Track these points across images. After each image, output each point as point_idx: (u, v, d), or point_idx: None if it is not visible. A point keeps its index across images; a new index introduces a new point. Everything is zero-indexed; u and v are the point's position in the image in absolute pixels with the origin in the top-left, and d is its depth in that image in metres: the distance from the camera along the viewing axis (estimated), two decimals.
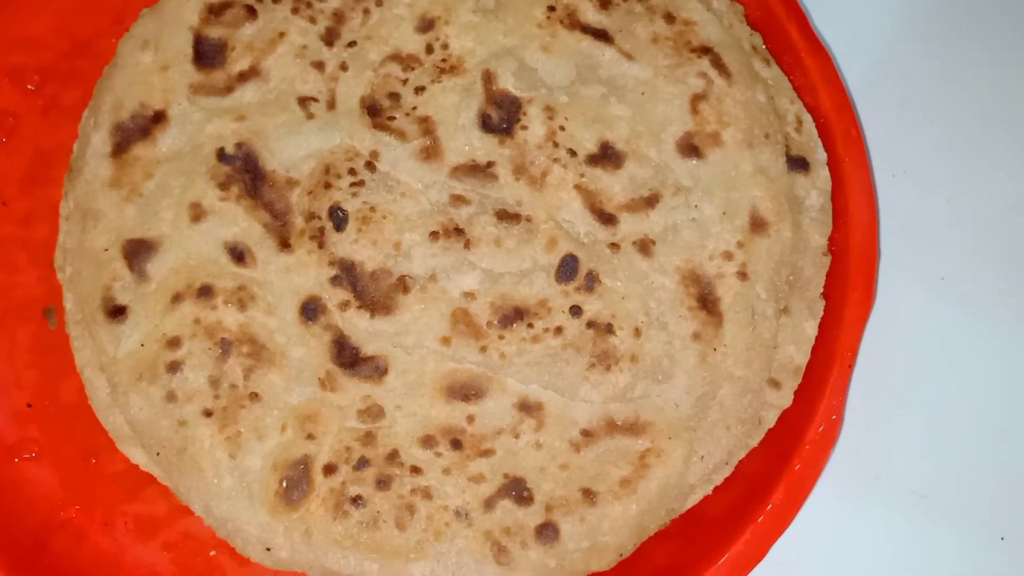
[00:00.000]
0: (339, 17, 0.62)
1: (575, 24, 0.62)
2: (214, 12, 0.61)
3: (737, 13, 0.65)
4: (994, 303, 0.66)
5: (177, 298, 0.55)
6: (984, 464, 0.63)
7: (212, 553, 0.57)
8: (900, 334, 0.65)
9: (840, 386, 0.57)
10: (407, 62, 0.61)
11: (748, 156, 0.60)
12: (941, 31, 0.72)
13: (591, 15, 0.62)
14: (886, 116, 0.70)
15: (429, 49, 0.61)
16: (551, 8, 0.62)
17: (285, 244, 0.56)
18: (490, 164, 0.58)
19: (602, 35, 0.62)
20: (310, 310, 0.55)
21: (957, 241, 0.68)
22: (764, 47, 0.65)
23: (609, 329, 0.55)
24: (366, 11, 0.62)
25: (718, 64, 0.62)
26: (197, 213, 0.56)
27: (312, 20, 0.61)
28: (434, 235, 0.56)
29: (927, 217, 0.68)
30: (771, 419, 0.57)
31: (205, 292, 0.55)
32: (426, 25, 0.62)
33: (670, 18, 0.63)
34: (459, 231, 0.57)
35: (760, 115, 0.61)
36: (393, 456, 0.53)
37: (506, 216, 0.57)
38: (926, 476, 0.63)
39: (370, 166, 0.58)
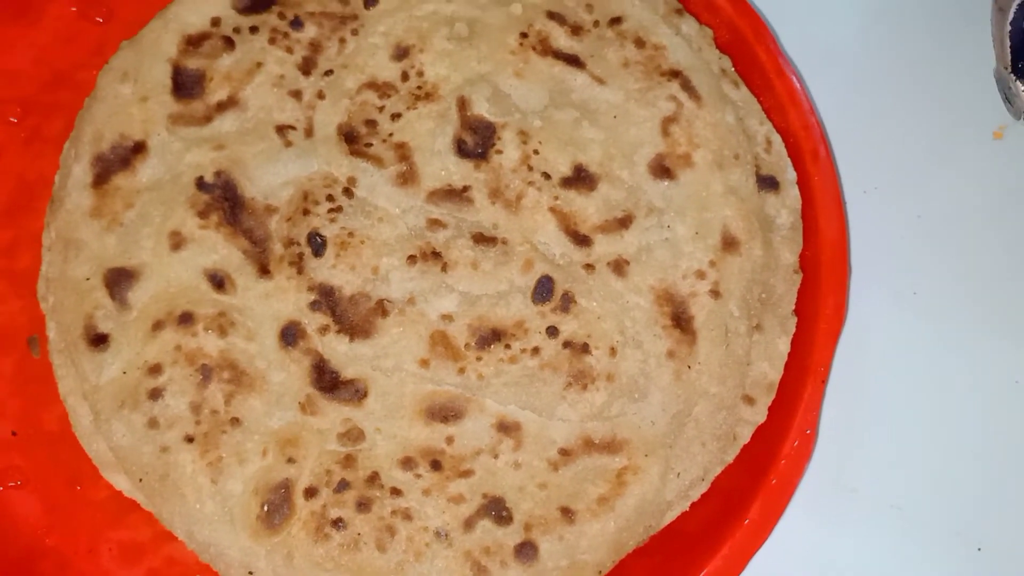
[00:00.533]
0: (316, 47, 0.63)
1: (547, 50, 0.63)
2: (192, 43, 0.62)
3: (706, 37, 0.66)
4: (966, 316, 0.68)
5: (158, 326, 0.55)
6: (960, 475, 0.64)
7: None
8: (874, 348, 0.66)
9: (814, 401, 0.58)
10: (383, 89, 0.62)
11: (719, 177, 0.61)
12: (909, 49, 0.73)
13: (563, 41, 0.64)
14: (856, 134, 0.71)
15: (404, 77, 0.62)
16: (523, 35, 0.63)
17: (264, 270, 0.57)
18: (466, 188, 0.60)
19: (574, 60, 0.63)
20: (290, 335, 0.56)
21: (928, 255, 0.69)
22: (733, 70, 0.66)
23: (585, 349, 0.56)
24: (342, 40, 0.63)
25: (688, 87, 0.63)
26: (177, 241, 0.57)
27: (289, 50, 0.62)
28: (412, 259, 0.57)
29: (898, 232, 0.69)
30: (746, 435, 0.58)
31: (186, 319, 0.55)
32: (401, 53, 0.63)
33: (640, 43, 0.64)
34: (436, 255, 0.58)
35: (730, 136, 0.62)
36: (373, 478, 0.53)
37: (482, 239, 0.58)
38: (902, 488, 0.63)
39: (348, 192, 0.59)
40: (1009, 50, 0.68)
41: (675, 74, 0.63)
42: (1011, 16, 0.66)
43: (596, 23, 0.65)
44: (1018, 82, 0.68)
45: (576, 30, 0.64)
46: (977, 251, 0.69)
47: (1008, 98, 0.70)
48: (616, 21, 0.64)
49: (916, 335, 0.67)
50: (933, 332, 0.67)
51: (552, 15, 0.64)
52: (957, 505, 0.63)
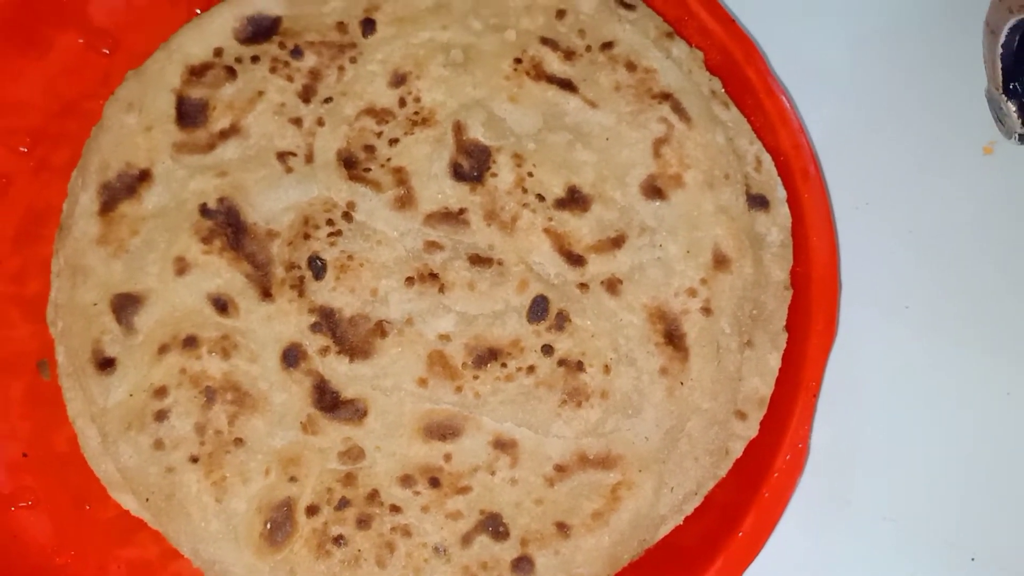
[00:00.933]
0: (315, 75, 0.65)
1: (541, 75, 0.65)
2: (195, 74, 0.64)
3: (697, 59, 0.68)
4: (957, 329, 0.69)
5: (163, 349, 0.57)
6: (952, 486, 0.65)
7: None
8: (865, 362, 0.67)
9: (806, 415, 0.59)
10: (381, 116, 0.64)
11: (709, 196, 0.62)
12: (899, 67, 0.75)
13: (556, 66, 0.65)
14: (847, 150, 0.72)
15: (402, 103, 0.64)
16: (518, 60, 0.65)
17: (267, 294, 0.59)
18: (462, 211, 0.61)
19: (567, 85, 0.65)
20: (291, 357, 0.57)
21: (919, 270, 0.70)
22: (723, 91, 0.67)
23: (580, 367, 0.58)
24: (341, 68, 0.65)
25: (678, 109, 0.64)
26: (181, 267, 0.59)
27: (289, 78, 0.64)
28: (410, 281, 0.59)
29: (889, 247, 0.70)
30: (738, 450, 0.59)
31: (190, 342, 0.57)
32: (399, 80, 0.64)
33: (631, 67, 0.66)
34: (434, 276, 0.59)
35: (720, 156, 0.64)
36: (373, 496, 0.55)
37: (479, 260, 0.60)
38: (895, 500, 0.64)
39: (347, 216, 0.61)
40: (1000, 71, 0.69)
41: (666, 96, 0.65)
42: (1002, 39, 0.67)
43: (588, 48, 0.66)
44: (1009, 103, 0.69)
45: (569, 55, 0.66)
46: (968, 265, 0.70)
47: (1000, 118, 0.71)
48: (608, 46, 0.66)
49: (907, 349, 0.68)
50: (924, 346, 0.68)
51: (545, 41, 0.66)
52: (950, 516, 0.64)
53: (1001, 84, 0.69)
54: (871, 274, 0.69)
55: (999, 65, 0.69)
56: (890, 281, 0.70)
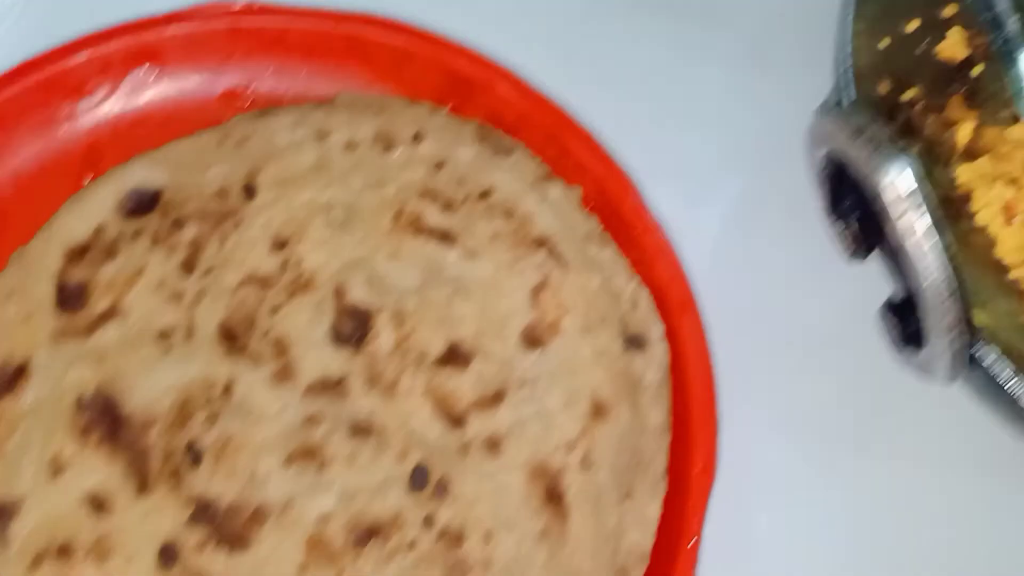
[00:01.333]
0: (196, 246, 0.60)
1: (420, 229, 0.61)
2: (76, 255, 0.59)
3: (572, 200, 0.64)
4: (844, 444, 0.64)
5: (37, 560, 0.51)
6: None
7: None
8: (752, 494, 0.62)
9: (688, 565, 0.55)
10: (262, 283, 0.59)
11: (587, 341, 0.59)
12: (776, 186, 0.70)
13: (435, 218, 0.61)
14: (725, 274, 0.68)
15: (284, 267, 0.60)
16: (397, 216, 0.61)
17: (144, 486, 0.54)
18: (342, 379, 0.57)
19: (446, 236, 0.61)
20: (168, 554, 0.52)
21: (800, 383, 0.66)
22: (600, 230, 0.64)
23: (460, 537, 0.53)
24: (223, 237, 0.61)
25: (555, 254, 0.61)
26: (57, 467, 0.53)
27: (171, 251, 0.60)
28: (289, 459, 0.55)
29: (771, 365, 0.66)
30: None
31: (64, 551, 0.52)
32: (280, 244, 0.60)
33: (509, 213, 0.62)
34: (314, 452, 0.55)
35: (596, 299, 0.60)
36: None
37: (359, 431, 0.55)
38: None
39: (226, 395, 0.56)
40: (826, 196, 0.66)
41: (542, 242, 0.61)
42: (820, 166, 0.64)
43: (467, 197, 0.62)
44: (838, 223, 0.66)
45: (448, 205, 0.62)
46: (853, 373, 0.66)
47: (833, 238, 0.68)
48: (486, 194, 0.62)
49: (792, 467, 0.63)
50: (812, 467, 0.63)
51: (424, 193, 0.62)
52: None
53: (829, 207, 0.66)
54: (753, 392, 0.65)
55: (825, 189, 0.66)
56: (772, 399, 0.65)
